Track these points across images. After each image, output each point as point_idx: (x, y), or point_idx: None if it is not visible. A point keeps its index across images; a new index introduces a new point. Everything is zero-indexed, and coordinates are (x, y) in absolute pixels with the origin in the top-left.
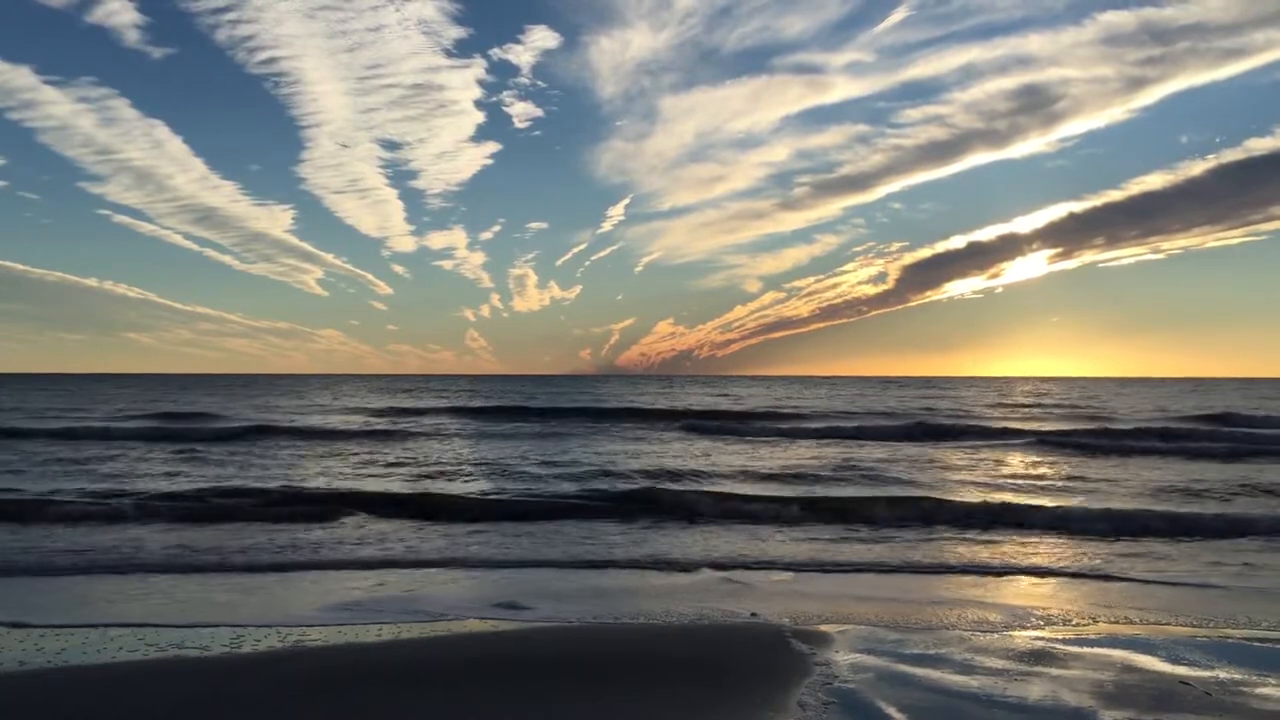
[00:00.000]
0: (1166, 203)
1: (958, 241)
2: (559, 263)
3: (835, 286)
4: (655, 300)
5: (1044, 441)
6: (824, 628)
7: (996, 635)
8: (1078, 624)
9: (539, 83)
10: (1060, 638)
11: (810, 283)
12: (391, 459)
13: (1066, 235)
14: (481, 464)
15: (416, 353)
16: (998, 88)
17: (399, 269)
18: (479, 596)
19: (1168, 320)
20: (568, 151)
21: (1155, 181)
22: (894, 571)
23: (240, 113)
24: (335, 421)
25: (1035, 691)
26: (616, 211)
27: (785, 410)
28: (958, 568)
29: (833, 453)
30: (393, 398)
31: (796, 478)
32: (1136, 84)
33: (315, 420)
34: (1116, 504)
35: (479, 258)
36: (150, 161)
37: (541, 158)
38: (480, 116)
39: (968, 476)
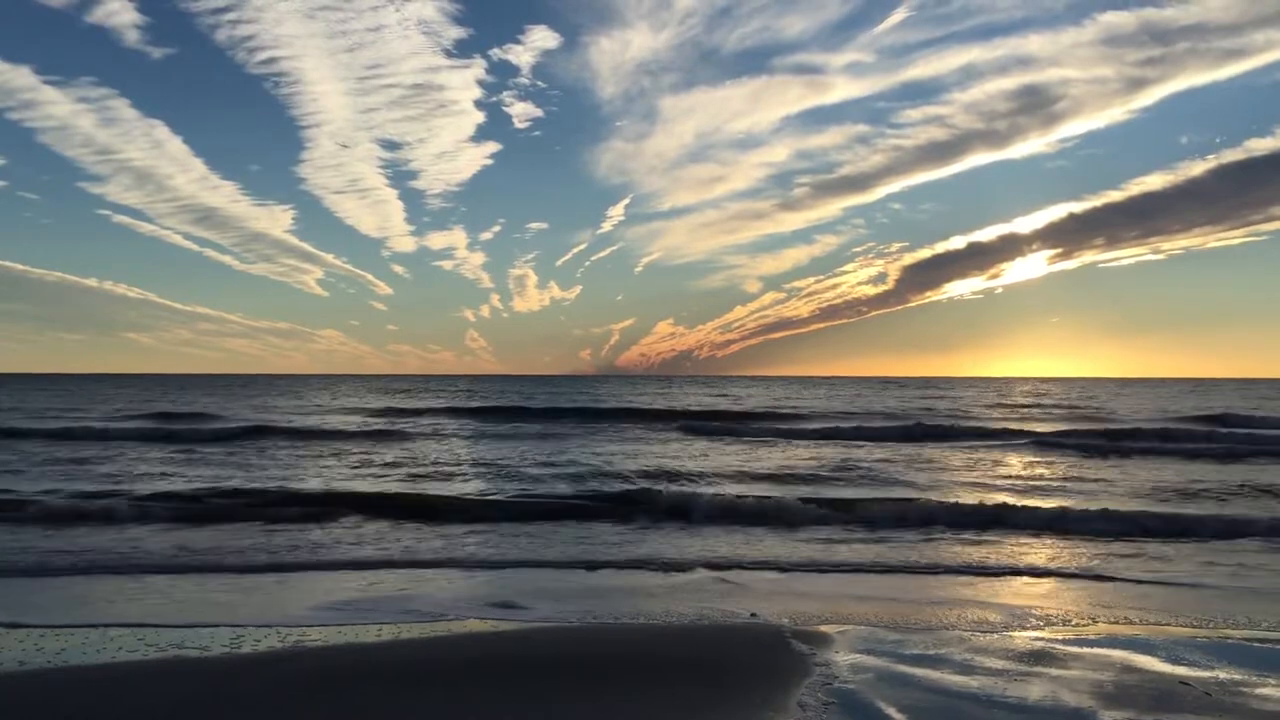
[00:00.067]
0: (1167, 203)
1: (958, 242)
2: (559, 263)
3: (835, 287)
4: (655, 300)
5: (1042, 442)
6: (824, 628)
7: (996, 635)
8: (1077, 624)
9: (539, 83)
10: (1060, 638)
11: (810, 283)
12: (389, 459)
13: (1066, 236)
14: (479, 464)
15: (416, 353)
16: (998, 88)
17: (399, 269)
18: (476, 596)
19: (1168, 321)
20: (568, 152)
21: (1155, 182)
22: (892, 572)
23: (240, 113)
24: (334, 422)
25: (1035, 692)
26: (616, 212)
27: (784, 411)
28: (956, 568)
29: (831, 453)
30: (391, 398)
31: (794, 478)
32: (1136, 84)
33: (314, 420)
34: (1114, 505)
35: (479, 258)
36: (150, 161)
37: (541, 158)
38: (480, 116)
39: (966, 477)
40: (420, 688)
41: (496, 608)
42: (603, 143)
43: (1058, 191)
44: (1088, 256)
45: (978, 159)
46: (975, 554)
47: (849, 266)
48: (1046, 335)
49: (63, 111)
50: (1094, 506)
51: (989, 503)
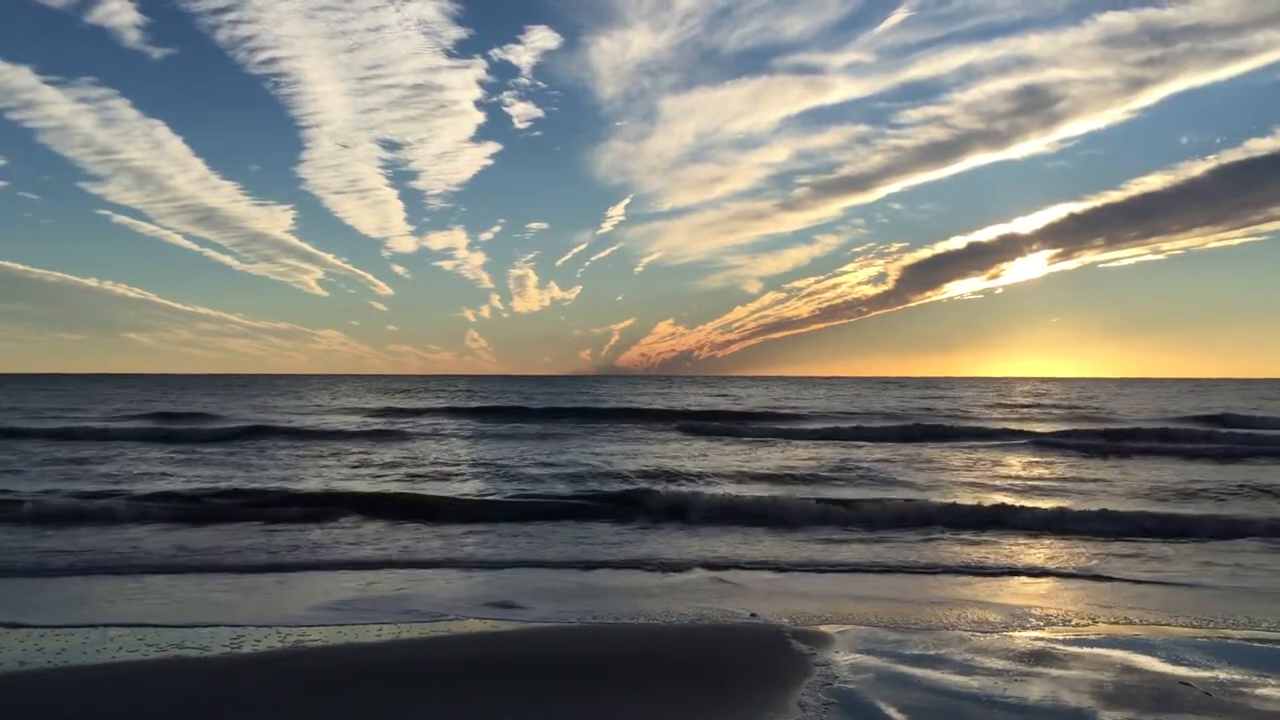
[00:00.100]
0: (1167, 203)
1: (958, 242)
2: (559, 263)
3: (835, 287)
4: (655, 301)
5: (1041, 442)
6: (824, 628)
7: (996, 636)
8: (1077, 624)
9: (539, 83)
10: (1059, 638)
11: (810, 283)
12: (389, 459)
13: (1066, 236)
14: (478, 464)
15: (416, 353)
16: (998, 88)
17: (399, 269)
18: (475, 596)
19: (1168, 321)
20: (568, 152)
21: (1155, 182)
22: (891, 572)
23: (240, 113)
24: (333, 422)
25: (1035, 692)
26: (616, 212)
27: (783, 411)
28: (955, 568)
29: (830, 453)
30: (391, 398)
31: (793, 478)
32: (1137, 85)
33: (313, 420)
34: (1113, 505)
35: (479, 258)
36: (150, 162)
37: (541, 158)
38: (480, 117)
39: (965, 477)
40: (420, 688)
41: (495, 607)
42: (603, 143)
43: (1058, 192)
44: (1088, 257)
45: (978, 159)
46: (974, 554)
47: (849, 267)
48: (1046, 335)
49: (63, 111)
50: (1093, 507)
51: (988, 503)
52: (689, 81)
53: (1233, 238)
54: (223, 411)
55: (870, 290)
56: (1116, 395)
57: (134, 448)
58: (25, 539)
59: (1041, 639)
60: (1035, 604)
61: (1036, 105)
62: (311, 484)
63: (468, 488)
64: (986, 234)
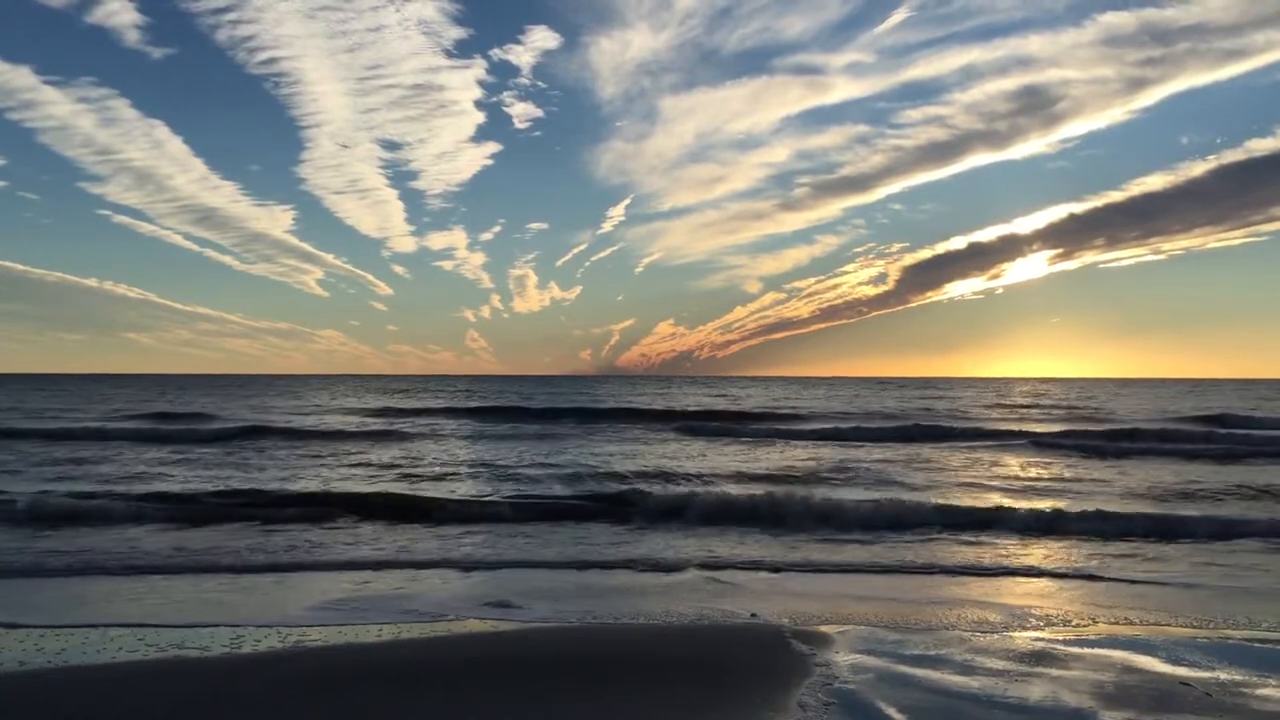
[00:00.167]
0: (1167, 203)
1: (958, 242)
2: (559, 263)
3: (835, 287)
4: (655, 301)
5: (1040, 443)
6: (824, 628)
7: (996, 636)
8: (1077, 625)
9: (539, 83)
10: (1060, 639)
11: (810, 283)
12: (387, 460)
13: (1067, 236)
14: (477, 465)
15: (417, 353)
16: (998, 89)
17: (399, 269)
18: (473, 596)
19: (1168, 321)
20: (568, 152)
21: (1156, 182)
22: (890, 572)
23: (240, 113)
24: (332, 422)
25: (1035, 692)
26: (617, 212)
27: (782, 411)
28: (953, 568)
29: (829, 453)
30: (390, 398)
31: (792, 479)
32: (1137, 85)
33: (312, 421)
34: (1111, 505)
35: (479, 258)
36: (150, 162)
37: (542, 158)
38: (480, 117)
39: (964, 478)
40: (420, 688)
41: (493, 607)
42: (603, 143)
43: (1058, 192)
44: (1088, 257)
45: (978, 159)
46: (973, 554)
47: (849, 267)
48: (1047, 336)
49: (63, 112)
50: (1091, 507)
51: (986, 503)
52: (689, 81)
53: (1233, 238)
54: (221, 411)
55: (870, 290)
56: (1116, 395)
57: (132, 448)
58: (23, 539)
59: (1041, 639)
60: (1035, 604)
61: (1037, 105)
62: (309, 484)
63: (466, 488)
64: (987, 234)
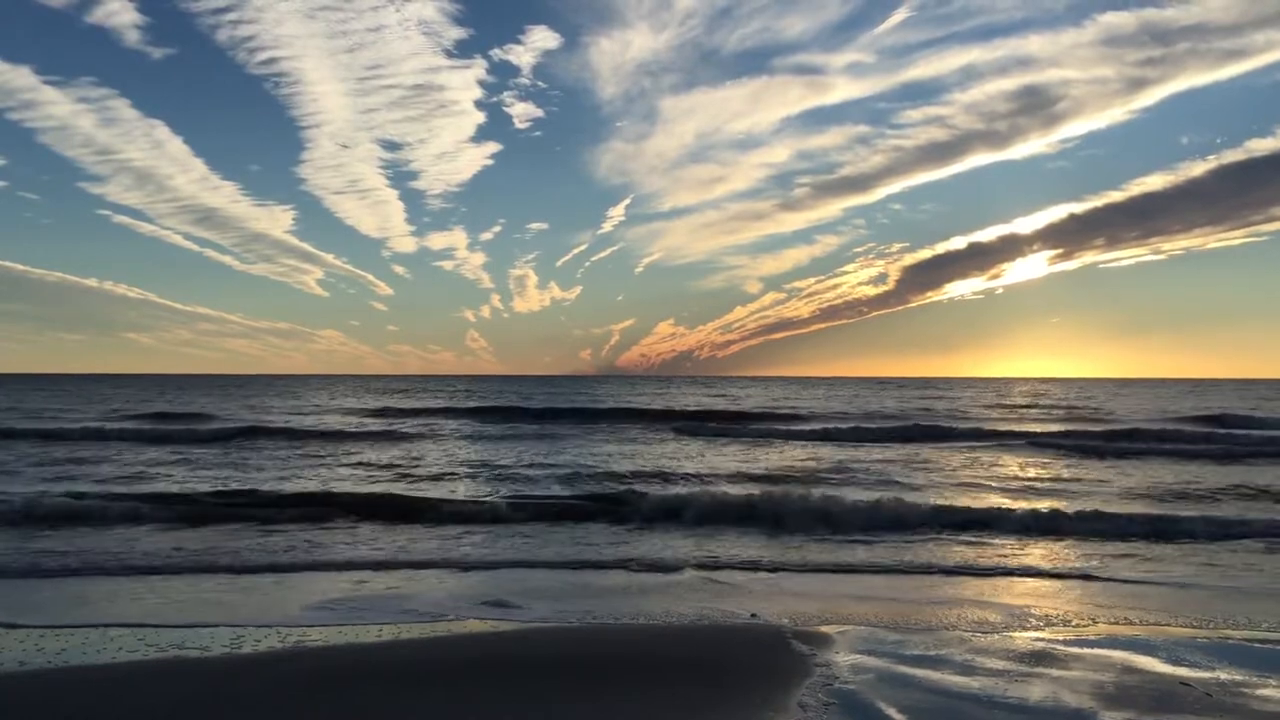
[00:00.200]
0: (1167, 203)
1: (958, 242)
2: (559, 263)
3: (836, 287)
4: (655, 301)
5: (1039, 443)
6: (824, 629)
7: (996, 636)
8: (1077, 625)
9: (539, 83)
10: (1060, 639)
11: (810, 283)
12: (386, 460)
13: (1067, 236)
14: (475, 465)
15: (417, 353)
16: (998, 89)
17: (399, 269)
18: (470, 596)
19: (1168, 321)
20: (568, 152)
21: (1156, 182)
22: (888, 572)
23: (240, 113)
24: (331, 422)
25: (1036, 692)
26: (617, 212)
27: (781, 411)
28: (952, 569)
29: (828, 454)
30: (389, 398)
31: (790, 479)
32: (1137, 85)
33: (311, 421)
34: (1109, 506)
35: (479, 258)
36: (150, 162)
37: (542, 158)
38: (480, 117)
39: (962, 478)
40: (420, 688)
41: (491, 607)
42: (603, 143)
43: (1058, 192)
44: (1088, 257)
45: (978, 159)
46: (972, 555)
47: (849, 267)
48: (1047, 336)
49: (63, 112)
50: (1090, 507)
51: (985, 504)
52: (689, 82)
53: (1233, 238)
54: (221, 412)
55: (871, 290)
56: (1115, 395)
57: (131, 448)
58: (20, 540)
59: (1041, 639)
60: (1034, 604)
61: (1037, 105)
62: (308, 485)
63: (464, 488)
64: (987, 234)
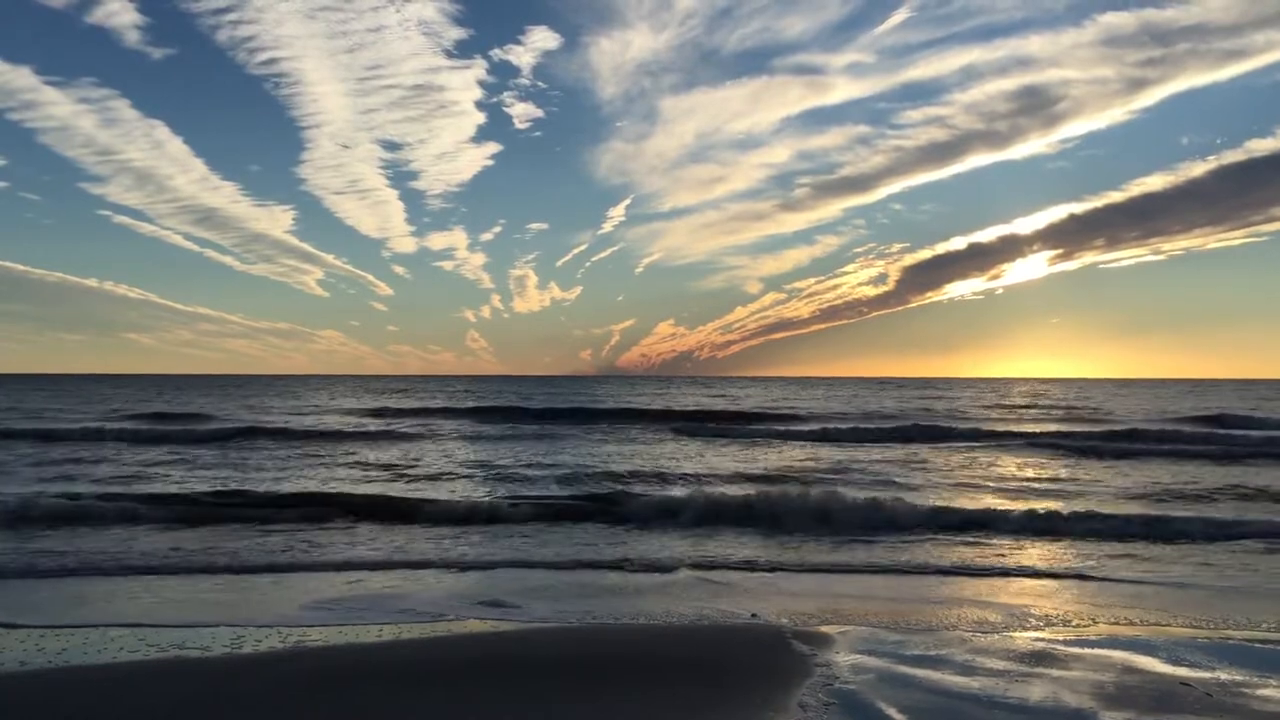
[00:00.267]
0: (1167, 204)
1: (958, 243)
2: (559, 263)
3: (836, 288)
4: (656, 301)
5: (1038, 443)
6: (824, 629)
7: (996, 636)
8: (1077, 625)
9: (539, 83)
10: (1060, 639)
11: (811, 284)
12: (384, 460)
13: (1067, 236)
14: (473, 465)
15: (417, 353)
16: (998, 89)
17: (399, 270)
18: (467, 595)
19: (1168, 321)
20: (568, 152)
21: (1156, 183)
22: (886, 572)
23: (241, 113)
24: (330, 423)
25: (1036, 693)
26: (617, 212)
27: (781, 411)
28: (951, 569)
29: (826, 454)
30: (389, 399)
31: (788, 479)
32: (1137, 85)
33: (309, 421)
34: (1107, 506)
35: (479, 258)
36: (151, 162)
37: (542, 158)
38: (481, 117)
39: (960, 478)
40: (420, 688)
41: (489, 606)
42: (603, 143)
43: (1058, 192)
44: (1088, 257)
45: (978, 160)
46: (971, 555)
47: (850, 267)
48: (1047, 336)
49: (63, 112)
50: (1088, 508)
51: (984, 504)
52: (689, 82)
53: (1233, 238)
54: (219, 412)
55: (871, 291)
56: (1115, 396)
57: (129, 448)
58: (18, 540)
59: (1042, 640)
60: (1034, 604)
61: (1037, 106)
62: (306, 485)
63: (462, 489)
64: (987, 234)
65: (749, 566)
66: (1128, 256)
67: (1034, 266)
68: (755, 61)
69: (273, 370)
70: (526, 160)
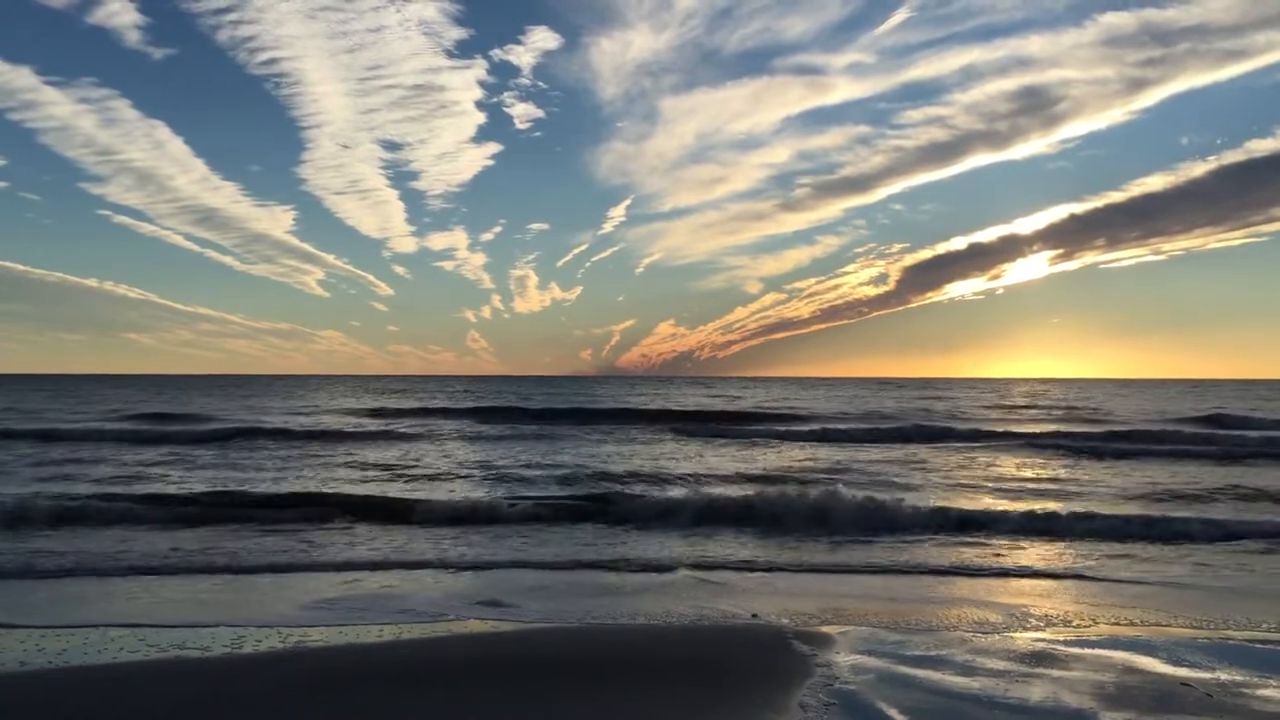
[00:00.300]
0: (1167, 204)
1: (958, 243)
2: (560, 264)
3: (836, 288)
4: (656, 301)
5: (1037, 444)
6: (825, 629)
7: (996, 637)
8: (1077, 625)
9: (540, 84)
10: (1060, 639)
11: (811, 284)
12: (383, 461)
13: (1067, 236)
14: (472, 466)
15: (417, 354)
16: (998, 89)
17: (400, 270)
18: (466, 595)
19: (1169, 321)
20: (568, 152)
21: (1156, 183)
22: (885, 573)
23: (241, 113)
24: (329, 423)
25: (1036, 693)
26: (617, 212)
27: (780, 412)
28: (950, 569)
29: (824, 454)
30: (388, 399)
31: (786, 479)
32: (1137, 85)
33: (309, 422)
34: (1106, 507)
35: (480, 259)
36: (151, 162)
37: (542, 159)
38: (481, 117)
39: (960, 479)
40: (421, 688)
41: (487, 606)
42: (603, 143)
43: (1058, 192)
44: (1088, 257)
45: (979, 160)
46: (971, 555)
47: (850, 267)
48: (1047, 336)
49: (64, 112)
50: (1086, 508)
51: (983, 504)
52: (690, 82)
53: (1233, 238)
54: (218, 412)
55: (871, 291)
56: (1115, 396)
57: (128, 449)
58: (16, 541)
59: (1042, 640)
60: (1034, 605)
61: (1037, 106)
62: (305, 485)
63: (461, 489)
64: (987, 235)
65: (748, 567)
66: (1128, 256)
67: (1034, 266)
68: (756, 62)
69: (273, 370)
70: (527, 160)
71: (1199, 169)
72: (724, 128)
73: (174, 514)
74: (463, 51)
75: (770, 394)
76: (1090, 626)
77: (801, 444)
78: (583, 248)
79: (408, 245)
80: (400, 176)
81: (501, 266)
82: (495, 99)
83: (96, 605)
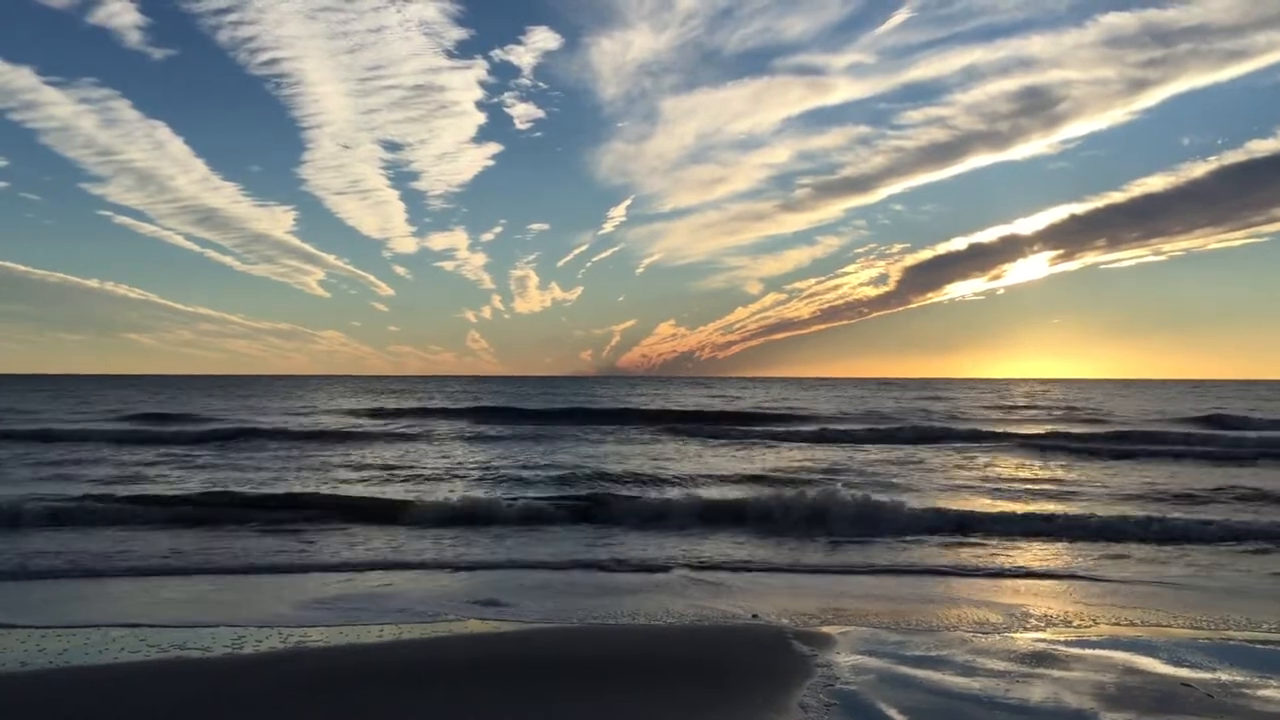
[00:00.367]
0: (1168, 204)
1: (959, 243)
2: (560, 264)
3: (836, 288)
4: (656, 302)
5: (1036, 444)
6: (825, 629)
7: (996, 637)
8: (1077, 626)
9: (540, 84)
10: (1060, 640)
11: (811, 284)
12: (382, 461)
13: (1068, 237)
14: (470, 466)
15: (418, 354)
16: (999, 89)
17: (400, 270)
18: (464, 595)
19: (1169, 322)
20: (569, 153)
21: (1157, 183)
22: (883, 573)
23: (241, 114)
24: (328, 423)
25: (1037, 693)
26: (618, 213)
27: (779, 412)
28: (949, 570)
29: (822, 455)
30: (388, 399)
31: (783, 480)
32: (1138, 86)
33: (307, 422)
34: (1104, 507)
35: (480, 259)
36: (151, 162)
37: (543, 159)
38: (481, 118)
39: (958, 479)
40: (421, 688)
41: (485, 606)
42: (604, 144)
43: (1059, 192)
44: (1089, 258)
45: (979, 160)
46: (970, 556)
47: (850, 268)
48: (1048, 336)
49: (64, 112)
50: (1085, 509)
51: (981, 505)
52: (690, 82)
53: (1234, 239)
54: (217, 413)
55: (871, 291)
56: (1115, 396)
57: (127, 449)
58: (15, 541)
59: (1042, 640)
60: (1034, 605)
61: (1038, 106)
62: (303, 486)
63: (459, 489)
64: (988, 235)
65: (746, 567)
66: (1128, 257)
67: (1035, 267)
68: (756, 62)
69: (273, 371)
70: (527, 161)
71: (1200, 169)
72: (724, 128)
73: (174, 514)
74: (463, 52)
75: (770, 394)
76: (1090, 627)
77: (801, 444)
78: (583, 248)
79: (408, 245)
80: (401, 177)
81: (502, 267)
82: (495, 99)
83: (96, 605)
